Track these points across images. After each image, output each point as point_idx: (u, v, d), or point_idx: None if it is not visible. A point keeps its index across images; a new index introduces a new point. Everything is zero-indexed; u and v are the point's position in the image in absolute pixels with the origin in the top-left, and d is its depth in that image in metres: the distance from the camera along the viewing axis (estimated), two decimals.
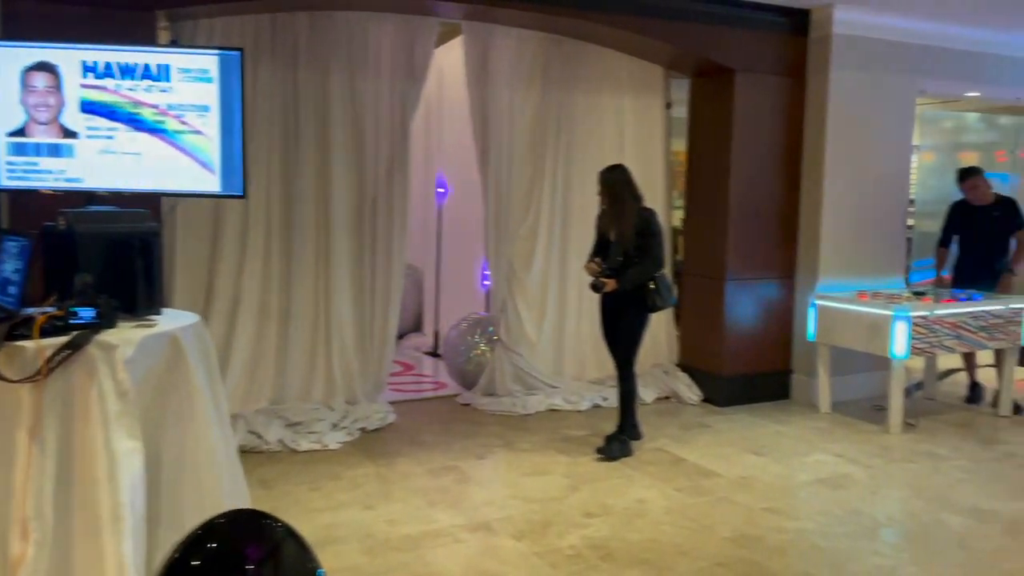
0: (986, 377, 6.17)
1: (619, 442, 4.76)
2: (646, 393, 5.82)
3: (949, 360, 6.60)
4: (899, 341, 5.20)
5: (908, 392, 6.26)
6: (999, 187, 8.40)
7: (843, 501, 4.13)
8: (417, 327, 7.87)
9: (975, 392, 6.15)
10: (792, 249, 6.15)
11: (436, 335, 7.16)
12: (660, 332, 6.24)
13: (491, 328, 5.90)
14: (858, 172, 6.01)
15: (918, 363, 6.33)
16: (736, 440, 5.13)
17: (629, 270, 4.70)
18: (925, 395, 6.22)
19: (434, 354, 7.12)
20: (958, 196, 6.14)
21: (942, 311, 5.34)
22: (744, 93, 5.83)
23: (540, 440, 5.03)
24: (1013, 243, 5.92)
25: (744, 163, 5.89)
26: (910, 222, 7.98)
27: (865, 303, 5.48)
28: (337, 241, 5.19)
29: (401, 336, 7.89)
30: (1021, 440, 5.20)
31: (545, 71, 5.76)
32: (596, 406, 5.79)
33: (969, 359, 6.18)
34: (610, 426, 5.07)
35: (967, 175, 5.99)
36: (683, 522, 3.82)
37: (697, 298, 6.22)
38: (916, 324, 5.22)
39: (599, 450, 4.75)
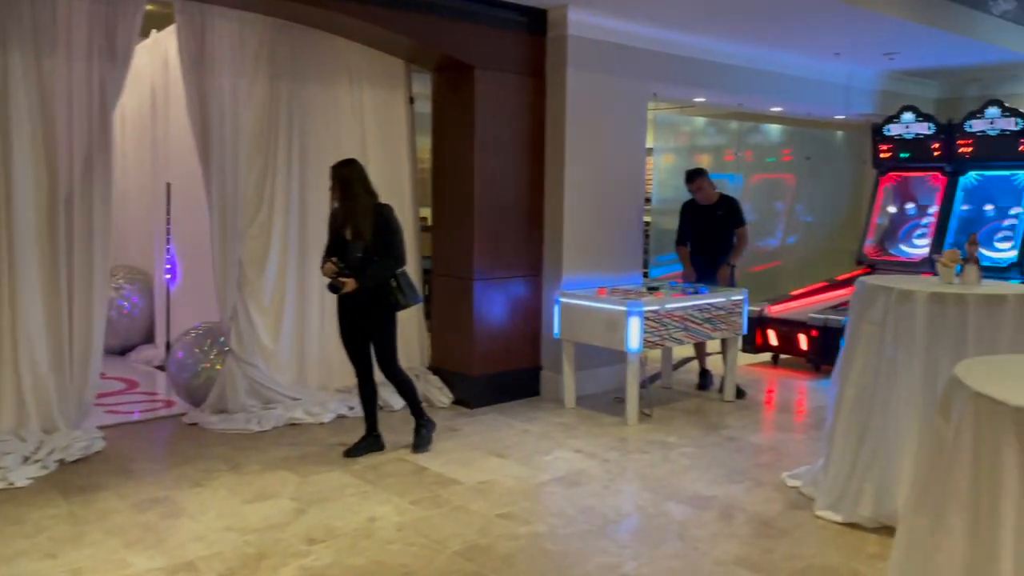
0: (716, 364, 6.58)
1: (425, 429, 4.86)
2: (395, 399, 5.60)
3: (684, 350, 6.99)
4: (633, 335, 5.37)
5: (646, 383, 6.53)
6: (728, 187, 9.13)
7: (577, 499, 4.14)
8: (148, 339, 7.12)
9: (705, 379, 6.55)
10: (539, 247, 6.19)
11: (168, 347, 6.50)
12: (412, 335, 6.05)
13: (222, 338, 5.40)
14: (597, 171, 6.17)
15: (656, 354, 6.64)
16: (481, 443, 5.04)
17: (369, 268, 4.49)
18: (662, 385, 6.53)
19: (164, 368, 6.45)
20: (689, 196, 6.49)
21: (671, 305, 5.59)
22: (485, 90, 5.77)
23: (272, 459, 4.64)
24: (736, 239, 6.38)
25: (488, 161, 5.84)
26: (648, 219, 8.42)
27: (603, 299, 5.61)
28: (22, 246, 4.47)
29: (129, 349, 7.12)
30: (741, 424, 5.56)
31: (272, 59, 5.35)
32: (341, 416, 5.48)
33: (699, 348, 6.56)
34: (354, 436, 4.86)
35: (693, 177, 6.34)
36: (414, 539, 3.63)
37: (446, 299, 6.09)
38: (648, 318, 5.41)
39: (414, 446, 4.80)
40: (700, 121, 8.96)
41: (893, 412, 3.74)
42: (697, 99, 7.79)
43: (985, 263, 8.13)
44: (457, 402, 5.94)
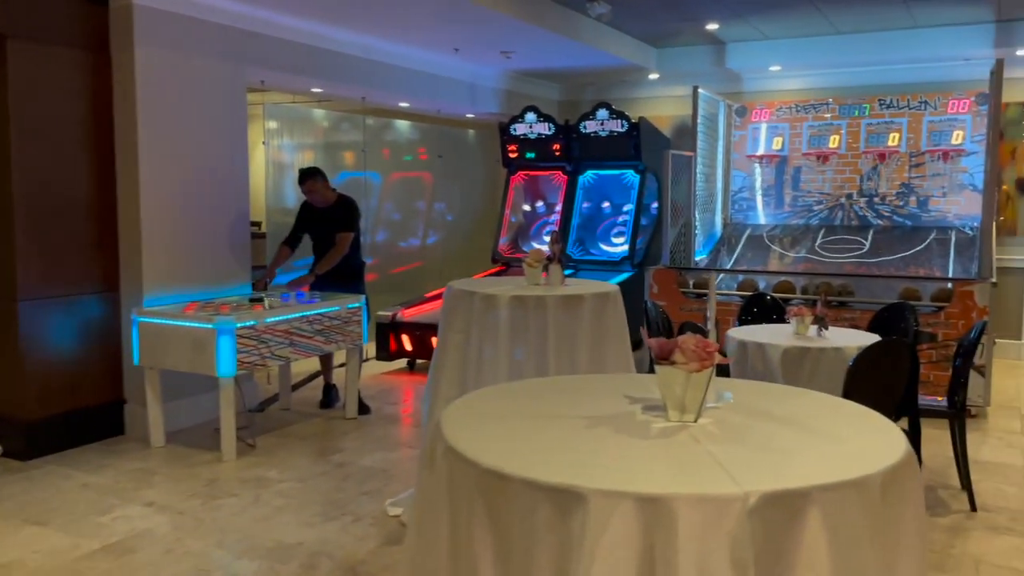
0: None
1: None
2: None
3: (310, 364, 6.37)
4: (224, 357, 4.61)
5: (262, 407, 5.81)
6: (369, 186, 8.68)
7: (124, 574, 3.31)
8: None
9: (329, 396, 5.98)
10: (115, 257, 5.17)
11: None
12: None
13: None
14: (184, 167, 5.30)
15: (272, 373, 5.93)
16: (17, 509, 3.97)
17: None
18: (281, 407, 5.85)
19: None
20: None
21: (273, 318, 4.92)
22: (24, 66, 4.64)
23: None
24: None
25: (33, 153, 4.71)
26: (259, 219, 7.66)
27: (188, 317, 4.78)
28: None
29: None
30: (357, 445, 5.07)
31: None
32: None
33: (325, 361, 5.98)
34: None
35: (304, 178, 5.71)
36: None
37: None
38: (243, 336, 4.69)
39: None
40: (334, 116, 8.38)
41: None
42: (314, 89, 7.19)
43: (601, 257, 8.63)
44: (7, 454, 4.73)
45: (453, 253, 9.50)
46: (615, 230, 8.75)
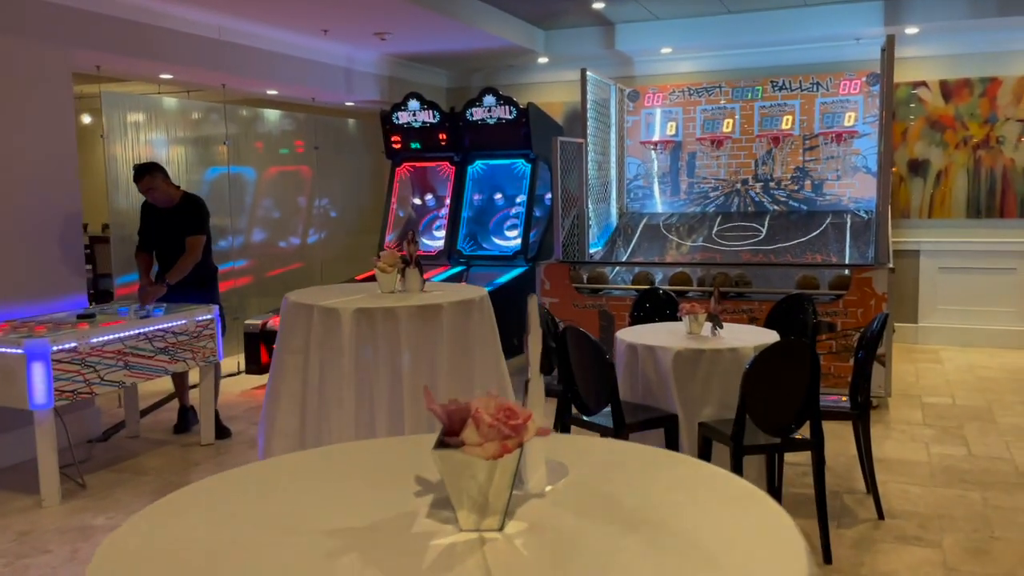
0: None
1: None
2: None
3: (165, 384, 5.68)
4: (38, 387, 3.93)
5: (104, 436, 5.11)
6: (243, 182, 7.96)
7: None
8: None
9: (186, 419, 5.31)
10: None
11: None
12: None
13: None
14: None
15: (113, 400, 5.23)
16: None
17: None
18: (128, 434, 5.16)
19: None
20: None
21: (100, 338, 4.24)
22: None
23: None
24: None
25: None
26: (104, 221, 6.88)
27: None
28: None
29: None
30: (208, 474, 4.44)
31: None
32: None
33: (178, 381, 5.31)
34: None
35: (141, 174, 5.00)
36: None
37: None
38: (61, 361, 4.01)
39: None
40: (196, 105, 7.61)
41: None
42: (164, 76, 6.46)
43: (494, 252, 8.17)
44: None
45: (336, 252, 8.86)
46: (508, 223, 8.30)
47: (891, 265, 5.69)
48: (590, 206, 7.20)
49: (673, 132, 8.08)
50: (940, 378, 6.33)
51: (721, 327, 4.01)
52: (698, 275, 6.33)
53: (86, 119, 9.34)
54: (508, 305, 6.86)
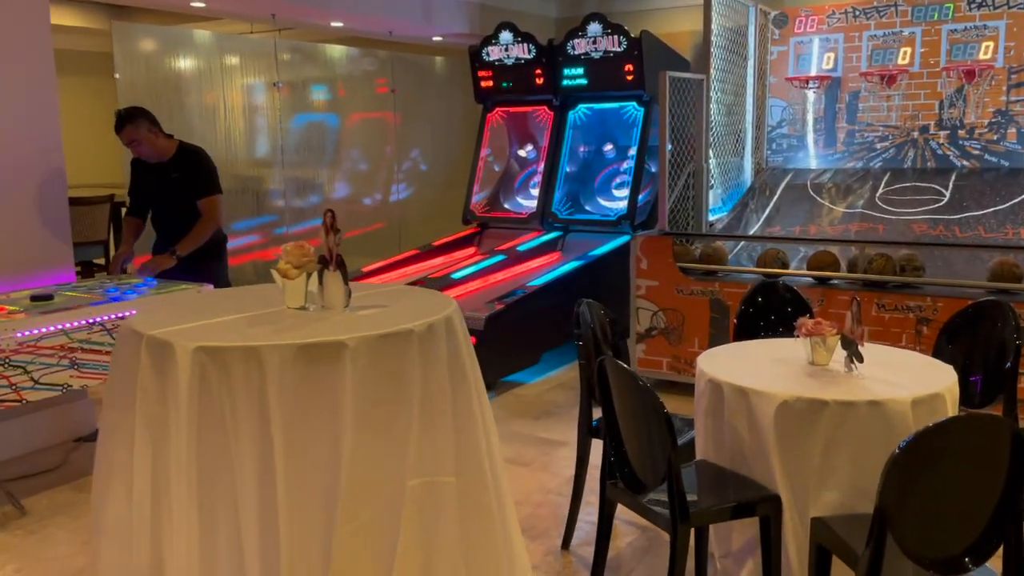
0: None
1: None
2: None
3: None
4: None
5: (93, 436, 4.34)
6: (326, 130, 7.05)
7: None
8: None
9: None
10: None
11: None
12: None
13: None
14: None
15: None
16: None
17: None
18: None
19: None
20: None
21: (28, 332, 3.37)
22: None
23: None
24: None
25: None
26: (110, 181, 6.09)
27: None
28: None
29: None
30: None
31: None
32: None
33: None
34: None
35: (122, 124, 4.09)
36: None
37: None
38: None
39: None
40: (272, 44, 6.70)
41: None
42: (195, 4, 5.53)
43: (596, 216, 6.84)
44: None
45: (423, 210, 7.83)
46: (617, 180, 6.93)
47: None
48: (712, 160, 5.71)
49: (831, 66, 6.36)
50: None
51: (860, 360, 2.59)
52: (850, 255, 4.76)
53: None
54: (603, 284, 5.57)
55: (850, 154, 6.33)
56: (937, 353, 3.07)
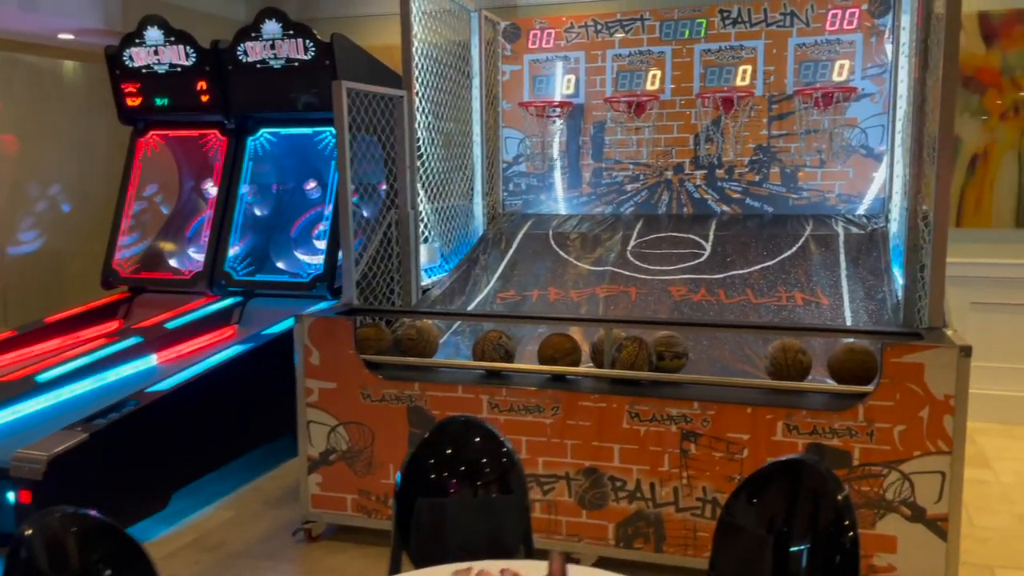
0: None
1: None
2: None
3: None
4: None
5: None
6: None
7: None
8: None
9: None
10: None
11: None
12: None
13: None
14: None
15: None
16: None
17: None
18: None
19: None
20: None
21: None
22: None
23: None
24: None
25: None
26: None
27: None
28: None
29: None
30: None
31: None
32: None
33: None
34: None
35: None
36: None
37: None
38: None
39: None
40: None
41: None
42: None
43: (283, 278, 5.22)
44: None
45: (52, 266, 5.80)
46: (321, 227, 5.37)
47: (953, 333, 2.97)
48: (424, 205, 4.33)
49: (572, 90, 5.24)
50: (1001, 508, 3.67)
51: None
52: (594, 337, 3.50)
53: None
54: (283, 379, 3.88)
55: (597, 197, 5.22)
56: (722, 542, 1.80)
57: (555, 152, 5.27)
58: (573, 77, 5.22)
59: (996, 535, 3.42)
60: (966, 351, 2.71)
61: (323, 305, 4.56)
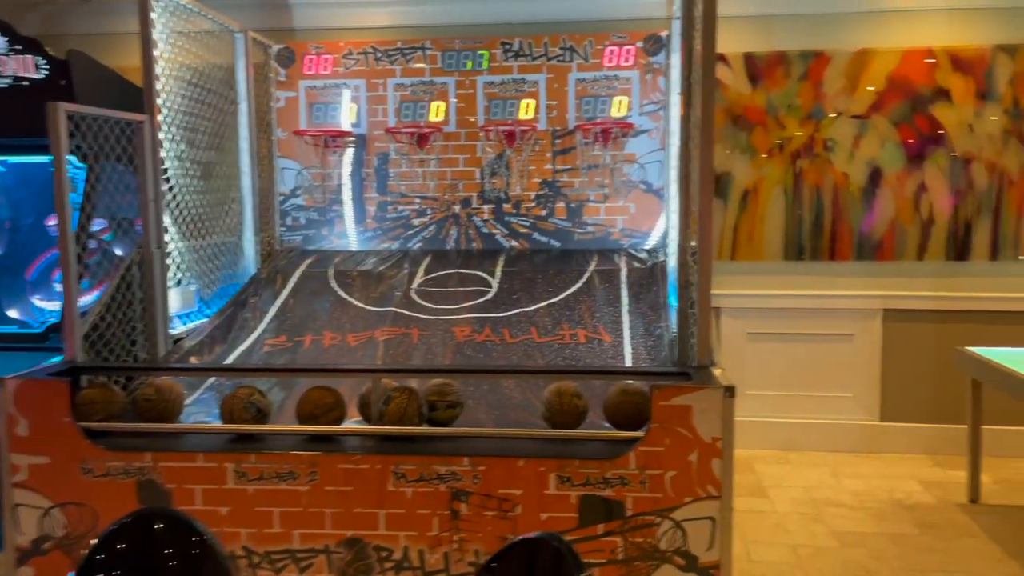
0: None
1: None
2: None
3: None
4: None
5: None
6: None
7: None
8: None
9: None
10: None
11: None
12: None
13: None
14: None
15: None
16: None
17: None
18: None
19: None
20: None
21: None
22: None
23: None
24: None
25: None
26: None
27: None
28: None
29: None
30: None
31: None
32: None
33: None
34: None
35: None
36: None
37: None
38: None
39: None
40: None
41: None
42: None
43: (12, 328, 4.53)
44: None
45: None
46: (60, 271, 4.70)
47: (720, 373, 2.92)
48: (175, 244, 3.85)
49: (354, 120, 4.95)
50: (777, 540, 3.70)
51: None
52: (362, 390, 3.18)
53: None
54: None
55: (383, 232, 4.94)
56: None
57: (337, 184, 4.95)
58: (355, 106, 4.93)
59: (772, 570, 3.42)
60: (730, 391, 2.65)
61: (60, 358, 3.96)
